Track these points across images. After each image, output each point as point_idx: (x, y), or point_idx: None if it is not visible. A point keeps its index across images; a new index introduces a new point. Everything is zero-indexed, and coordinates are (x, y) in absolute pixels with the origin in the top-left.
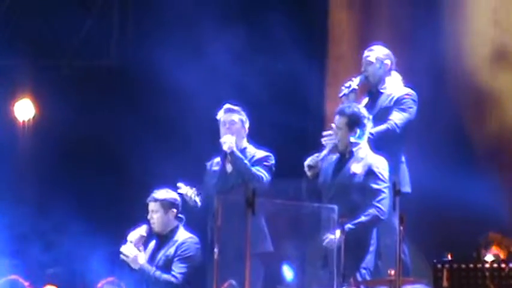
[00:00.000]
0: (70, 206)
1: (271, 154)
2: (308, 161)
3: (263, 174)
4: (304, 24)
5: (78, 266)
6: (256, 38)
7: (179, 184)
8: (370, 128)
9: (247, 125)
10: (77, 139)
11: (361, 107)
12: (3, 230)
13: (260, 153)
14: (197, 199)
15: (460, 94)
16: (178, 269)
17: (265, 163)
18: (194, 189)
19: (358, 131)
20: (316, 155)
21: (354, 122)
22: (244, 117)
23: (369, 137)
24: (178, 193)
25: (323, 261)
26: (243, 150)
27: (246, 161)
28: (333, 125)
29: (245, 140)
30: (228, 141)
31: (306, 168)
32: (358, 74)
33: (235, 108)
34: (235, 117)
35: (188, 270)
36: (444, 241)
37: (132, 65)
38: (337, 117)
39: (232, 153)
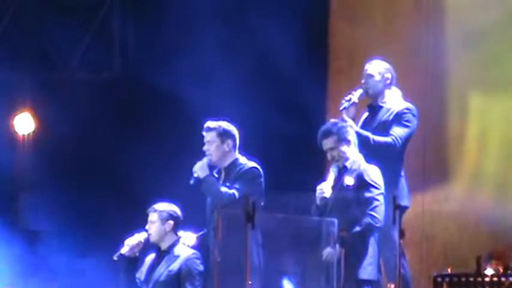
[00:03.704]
0: (70, 219)
1: (256, 166)
2: (321, 193)
3: (234, 191)
4: (303, 38)
5: (76, 279)
6: (257, 54)
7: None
8: (354, 133)
9: (231, 139)
10: (77, 153)
11: (337, 120)
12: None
13: (246, 166)
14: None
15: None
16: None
17: (245, 177)
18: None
19: (351, 139)
20: (323, 183)
21: (344, 134)
22: (224, 131)
23: (366, 141)
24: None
25: (326, 277)
26: (232, 163)
27: (214, 184)
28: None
29: (232, 153)
30: (197, 170)
31: (318, 200)
32: (358, 87)
33: (212, 125)
34: (212, 135)
35: (201, 286)
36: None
37: (134, 77)
38: (324, 141)
39: (201, 180)
